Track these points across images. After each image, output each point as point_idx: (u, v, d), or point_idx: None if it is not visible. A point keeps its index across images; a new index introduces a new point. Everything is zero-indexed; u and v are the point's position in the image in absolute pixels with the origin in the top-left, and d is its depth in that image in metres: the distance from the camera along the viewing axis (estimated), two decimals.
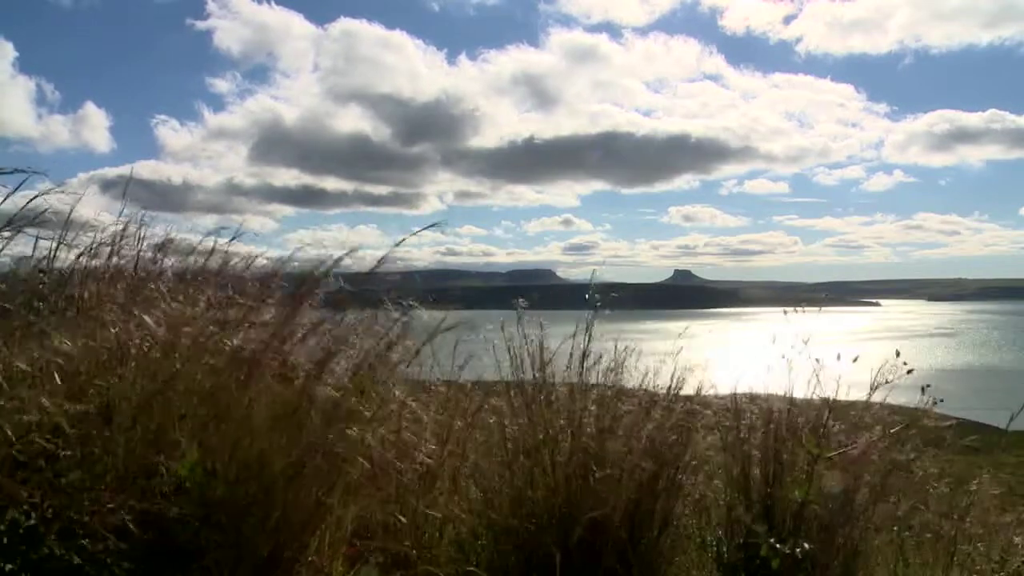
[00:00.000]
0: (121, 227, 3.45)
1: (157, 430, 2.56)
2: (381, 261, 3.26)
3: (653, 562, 3.57)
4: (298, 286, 3.14)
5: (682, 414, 3.79)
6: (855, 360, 3.91)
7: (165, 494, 2.48)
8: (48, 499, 2.23)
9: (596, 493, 3.43)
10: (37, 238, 3.06)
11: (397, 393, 3.35)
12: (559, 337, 3.83)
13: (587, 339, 3.78)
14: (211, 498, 2.56)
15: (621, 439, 3.59)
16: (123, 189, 3.67)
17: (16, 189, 2.83)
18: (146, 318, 2.72)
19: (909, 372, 3.85)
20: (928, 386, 4.03)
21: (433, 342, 3.83)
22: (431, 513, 3.36)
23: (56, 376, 2.49)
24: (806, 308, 4.28)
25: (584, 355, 3.77)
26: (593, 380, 3.80)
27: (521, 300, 3.83)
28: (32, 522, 2.15)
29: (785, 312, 4.13)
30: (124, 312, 2.80)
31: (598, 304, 3.85)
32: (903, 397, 4.19)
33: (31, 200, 2.87)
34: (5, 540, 2.12)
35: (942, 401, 4.11)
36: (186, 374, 2.66)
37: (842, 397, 4.04)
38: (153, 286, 3.07)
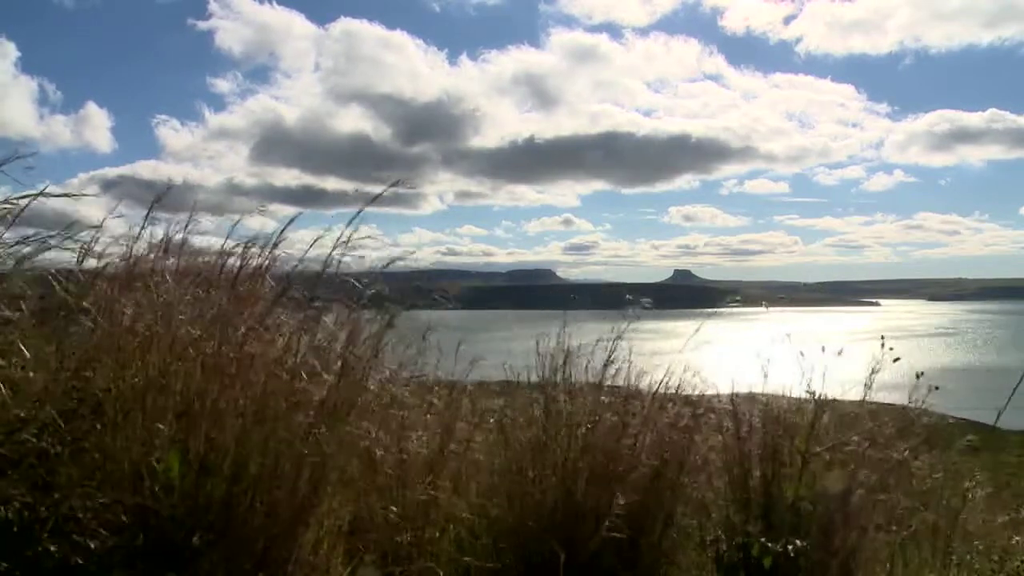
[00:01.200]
0: (125, 228, 3.45)
1: (148, 427, 2.57)
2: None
3: (654, 562, 3.57)
4: (287, 285, 3.14)
5: (687, 416, 3.79)
6: (839, 353, 3.92)
7: (156, 493, 2.49)
8: (41, 497, 2.23)
9: (597, 493, 3.43)
10: (14, 236, 3.04)
11: (393, 389, 3.36)
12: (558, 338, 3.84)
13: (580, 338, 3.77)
14: (200, 495, 2.56)
15: (626, 438, 3.59)
16: (125, 189, 3.67)
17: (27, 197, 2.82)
18: (138, 316, 2.73)
19: (896, 360, 3.87)
20: (922, 374, 4.03)
21: (435, 342, 3.83)
22: (428, 499, 3.35)
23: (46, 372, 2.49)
24: (798, 307, 4.29)
25: (568, 356, 3.77)
26: (586, 380, 3.81)
27: (644, 300, 3.83)
28: (26, 520, 2.15)
29: (766, 307, 4.15)
30: (119, 310, 2.80)
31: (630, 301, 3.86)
32: (904, 397, 4.18)
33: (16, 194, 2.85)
34: None
35: (937, 388, 4.10)
36: (175, 371, 2.67)
37: (841, 396, 4.04)
38: (149, 285, 3.07)
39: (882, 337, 3.95)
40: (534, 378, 3.81)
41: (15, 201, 2.72)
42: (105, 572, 2.31)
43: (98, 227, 3.18)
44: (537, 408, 3.69)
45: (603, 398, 3.72)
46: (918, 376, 4.03)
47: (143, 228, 3.33)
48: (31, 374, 2.51)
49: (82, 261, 3.12)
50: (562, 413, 3.62)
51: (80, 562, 2.24)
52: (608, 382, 3.82)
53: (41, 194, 2.76)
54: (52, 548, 2.21)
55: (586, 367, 3.82)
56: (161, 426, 2.58)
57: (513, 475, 3.59)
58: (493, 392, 4.06)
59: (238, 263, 3.34)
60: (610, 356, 3.78)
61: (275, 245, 3.24)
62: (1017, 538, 4.92)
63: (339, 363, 3.05)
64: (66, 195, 2.82)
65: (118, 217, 3.38)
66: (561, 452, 3.53)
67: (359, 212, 3.16)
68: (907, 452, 4.10)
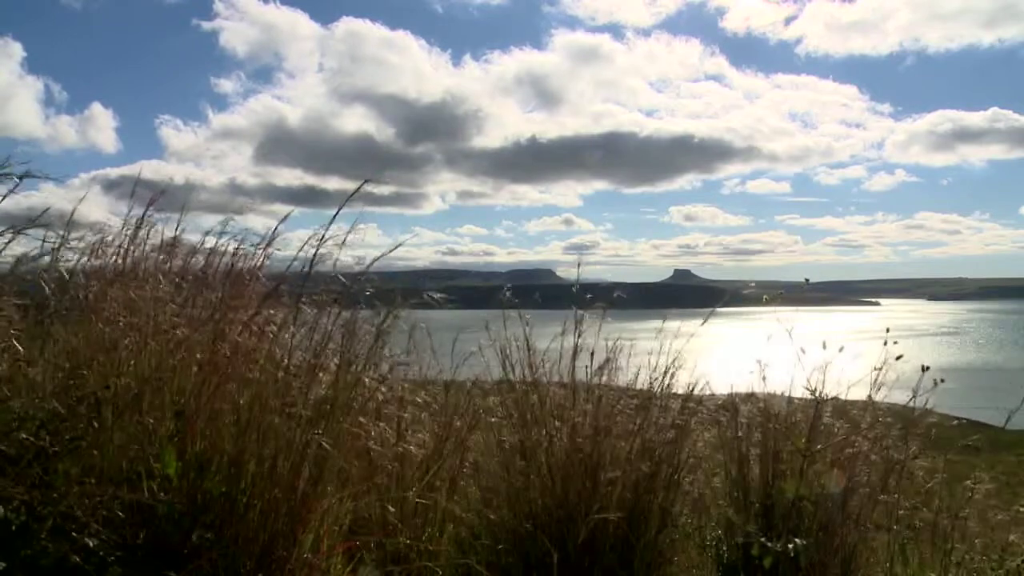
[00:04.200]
0: (121, 227, 3.45)
1: (144, 425, 2.57)
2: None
3: (652, 561, 3.57)
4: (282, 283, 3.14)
5: (678, 413, 3.79)
6: (840, 350, 3.91)
7: (153, 490, 2.49)
8: (39, 495, 2.22)
9: (593, 493, 3.42)
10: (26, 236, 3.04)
11: (386, 388, 3.36)
12: (554, 336, 3.83)
13: (576, 336, 3.77)
14: (198, 494, 2.56)
15: (618, 439, 3.58)
16: (127, 189, 3.67)
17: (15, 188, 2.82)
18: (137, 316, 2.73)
19: (898, 358, 3.86)
20: (927, 368, 4.00)
21: (432, 341, 3.82)
22: (427, 503, 3.35)
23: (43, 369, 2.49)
24: (799, 306, 4.27)
25: (577, 353, 3.76)
26: (588, 379, 3.80)
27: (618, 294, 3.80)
28: (24, 518, 2.15)
29: (765, 300, 4.11)
30: (119, 310, 2.80)
31: (602, 303, 3.85)
32: (906, 396, 4.16)
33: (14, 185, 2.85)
34: None
35: (943, 381, 4.07)
36: (172, 369, 2.67)
37: (844, 396, 4.03)
38: (148, 285, 3.08)
39: (887, 330, 3.94)
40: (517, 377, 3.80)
41: None
42: (103, 571, 2.30)
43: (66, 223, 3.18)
44: (520, 407, 3.68)
45: (581, 395, 3.72)
46: (924, 369, 4.00)
47: (137, 227, 3.33)
48: (28, 372, 2.51)
49: (55, 256, 3.12)
50: (540, 413, 3.61)
51: (78, 561, 2.24)
52: (591, 380, 3.81)
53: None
54: (50, 546, 2.20)
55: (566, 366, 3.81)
56: (153, 422, 2.58)
57: (507, 475, 3.59)
58: (490, 391, 4.05)
59: (233, 262, 3.34)
60: (580, 351, 3.77)
61: (270, 243, 3.23)
62: (1013, 537, 4.91)
63: (336, 361, 3.05)
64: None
65: (118, 216, 3.38)
66: (543, 453, 3.52)
67: (335, 213, 3.14)
68: (910, 452, 4.09)
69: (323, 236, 3.07)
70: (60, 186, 3.06)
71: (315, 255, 3.05)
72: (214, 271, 3.32)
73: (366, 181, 3.02)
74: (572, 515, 3.37)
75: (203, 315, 2.89)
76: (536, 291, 4.14)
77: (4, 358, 2.53)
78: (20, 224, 2.98)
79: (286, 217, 3.30)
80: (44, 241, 3.07)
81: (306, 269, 3.08)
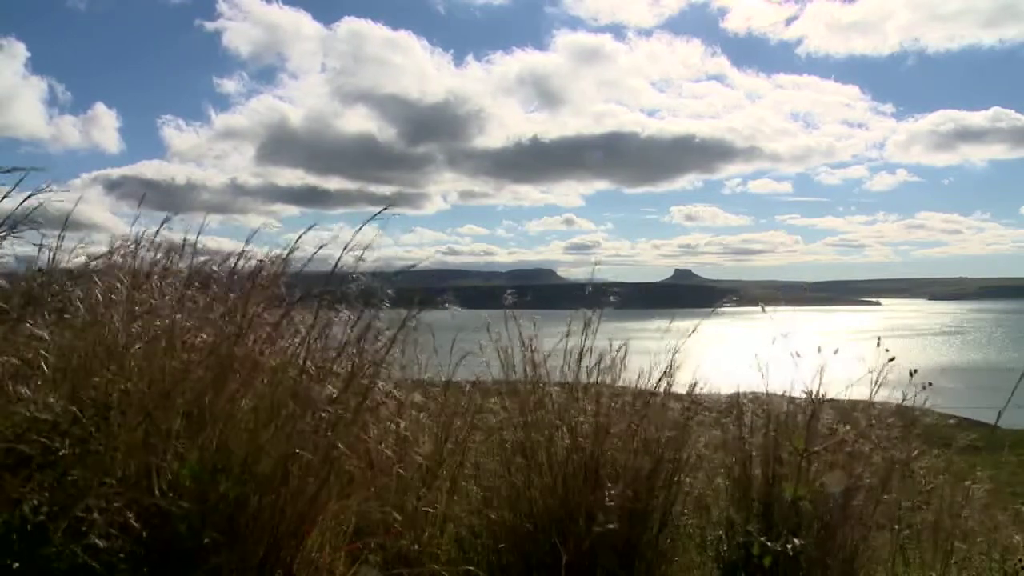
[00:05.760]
0: (125, 228, 3.46)
1: (157, 428, 2.57)
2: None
3: (653, 561, 3.57)
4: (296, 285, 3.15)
5: (679, 412, 3.79)
6: (836, 352, 3.91)
7: (164, 492, 2.49)
8: (53, 497, 2.23)
9: (594, 493, 3.42)
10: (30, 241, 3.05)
11: (392, 390, 3.37)
12: (555, 336, 3.84)
13: (583, 337, 3.77)
14: (209, 495, 2.56)
15: (619, 438, 3.59)
16: (128, 189, 3.70)
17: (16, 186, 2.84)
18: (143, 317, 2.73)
19: (891, 360, 3.87)
20: (915, 371, 4.01)
21: (432, 341, 3.83)
22: (429, 510, 3.36)
23: (52, 373, 2.50)
24: (799, 306, 4.27)
25: (580, 353, 3.77)
26: (588, 378, 3.80)
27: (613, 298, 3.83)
28: (40, 519, 2.16)
29: (763, 308, 4.11)
30: (123, 312, 2.81)
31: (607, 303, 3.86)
32: (908, 395, 4.16)
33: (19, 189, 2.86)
34: (14, 537, 2.12)
35: (931, 385, 4.08)
36: (186, 372, 2.67)
37: (845, 395, 4.03)
38: (153, 286, 3.08)
39: (878, 339, 3.95)
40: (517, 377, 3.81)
41: None
42: (114, 572, 2.31)
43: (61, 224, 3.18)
44: (522, 407, 3.69)
45: (579, 395, 3.72)
46: (911, 374, 4.01)
47: (155, 231, 3.34)
48: (43, 375, 2.52)
49: (53, 258, 3.12)
50: (541, 413, 3.61)
51: (91, 562, 2.24)
52: (592, 379, 3.82)
53: None
54: (65, 548, 2.20)
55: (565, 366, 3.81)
56: (168, 428, 2.58)
57: (507, 476, 3.60)
58: (491, 391, 4.06)
59: (246, 265, 3.35)
60: (583, 351, 3.78)
61: (291, 251, 3.25)
62: (1017, 537, 4.92)
63: (348, 365, 3.06)
64: None
65: (122, 217, 3.39)
66: (544, 453, 3.52)
67: (368, 220, 3.16)
68: (911, 452, 4.09)
69: (347, 244, 3.09)
70: (62, 187, 3.07)
71: (337, 261, 3.07)
72: (227, 274, 3.33)
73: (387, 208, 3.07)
74: (573, 515, 3.38)
75: (217, 318, 2.89)
76: (529, 292, 4.14)
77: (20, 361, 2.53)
78: (23, 225, 2.99)
79: (309, 228, 3.33)
80: (58, 249, 3.08)
81: (315, 272, 3.10)
